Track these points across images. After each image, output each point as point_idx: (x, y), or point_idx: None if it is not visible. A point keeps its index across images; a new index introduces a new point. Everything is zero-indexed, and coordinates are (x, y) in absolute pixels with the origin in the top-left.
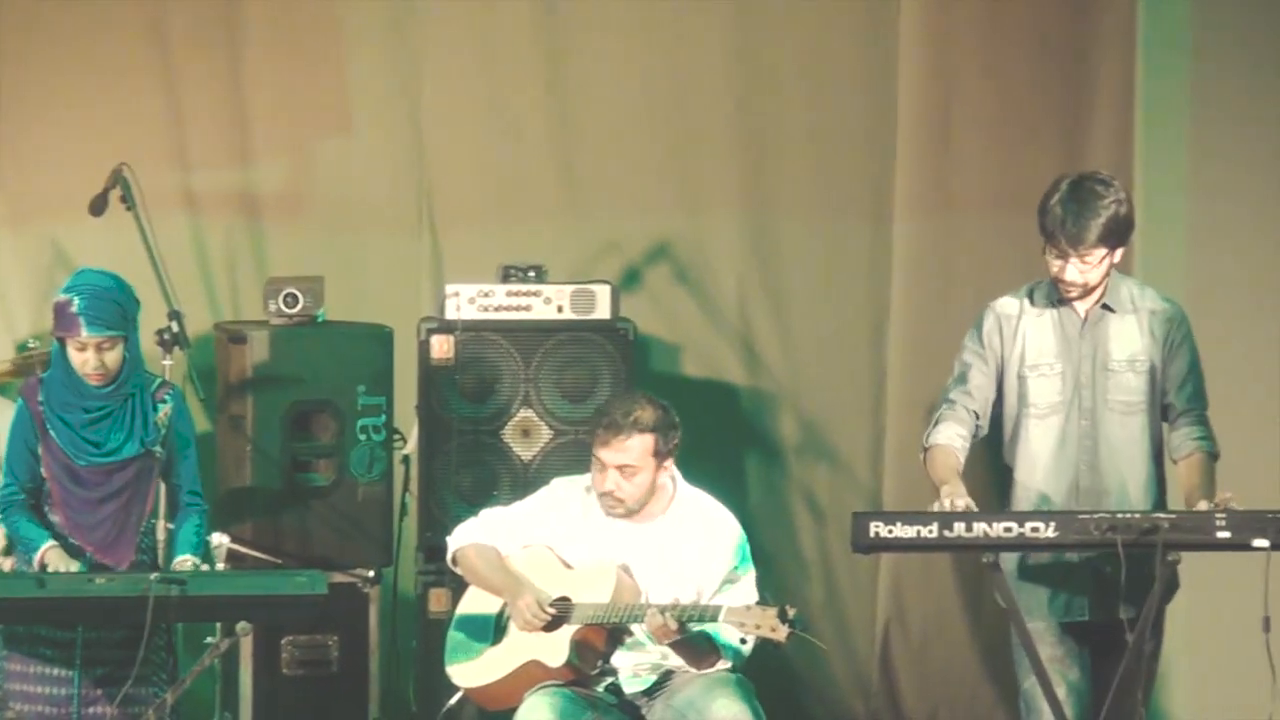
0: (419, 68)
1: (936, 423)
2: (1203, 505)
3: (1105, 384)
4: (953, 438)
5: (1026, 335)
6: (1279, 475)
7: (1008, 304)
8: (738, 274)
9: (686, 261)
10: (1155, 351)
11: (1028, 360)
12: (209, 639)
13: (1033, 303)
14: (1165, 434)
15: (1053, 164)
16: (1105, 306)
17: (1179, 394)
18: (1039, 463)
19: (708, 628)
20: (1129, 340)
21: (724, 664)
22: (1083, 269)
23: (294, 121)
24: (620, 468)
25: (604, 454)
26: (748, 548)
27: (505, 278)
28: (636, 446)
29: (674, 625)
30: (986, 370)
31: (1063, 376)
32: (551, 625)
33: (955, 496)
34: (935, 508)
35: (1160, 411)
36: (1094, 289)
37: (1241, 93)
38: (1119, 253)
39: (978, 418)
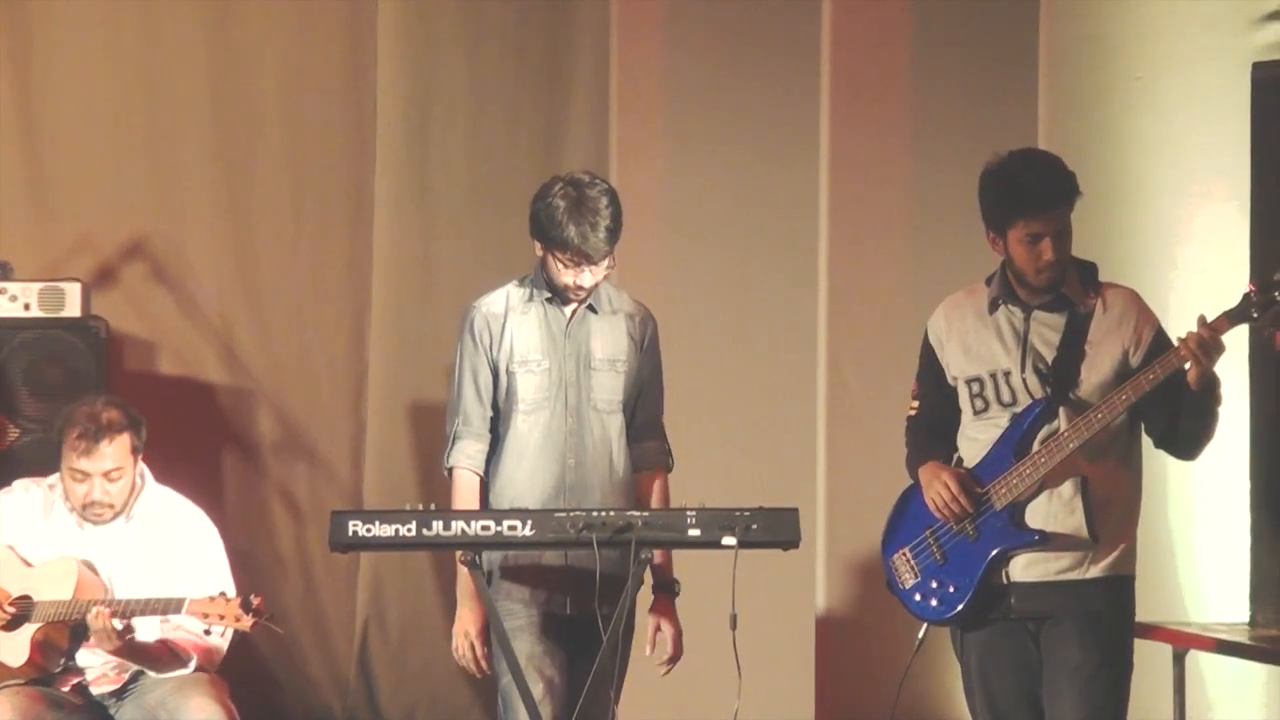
0: None
1: (455, 439)
2: None
3: (589, 382)
4: (473, 455)
5: (514, 332)
6: (736, 472)
7: (493, 302)
8: (216, 271)
9: (163, 259)
10: (632, 354)
11: (516, 356)
12: None
13: (517, 300)
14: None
15: (531, 161)
16: (589, 308)
17: (643, 403)
18: (525, 458)
19: (174, 632)
20: (610, 340)
21: (185, 670)
22: (594, 272)
23: None
24: (106, 473)
25: (86, 464)
26: (218, 542)
27: None
28: (119, 448)
29: (118, 626)
30: (487, 371)
31: (548, 373)
32: (12, 625)
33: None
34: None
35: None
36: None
37: (712, 84)
38: None
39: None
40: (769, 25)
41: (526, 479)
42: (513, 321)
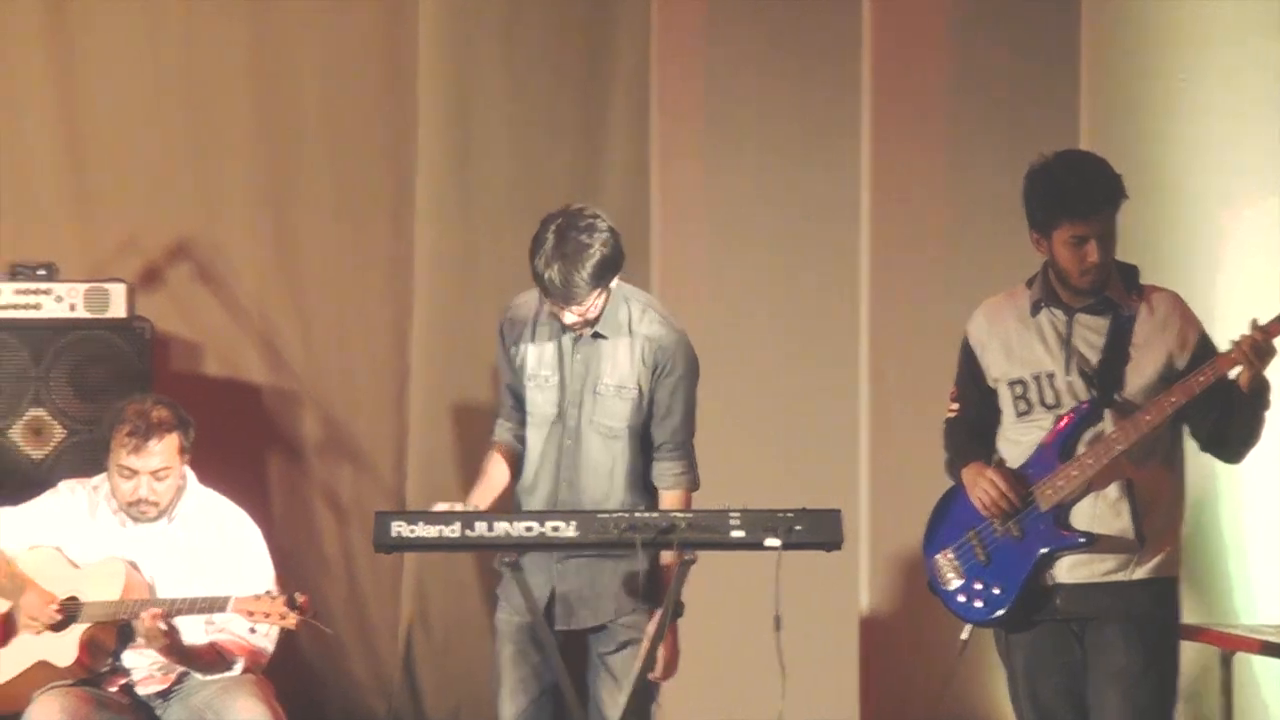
0: None
1: (497, 417)
2: None
3: (592, 406)
4: (504, 434)
5: (530, 343)
6: (778, 473)
7: (522, 307)
8: (259, 272)
9: (207, 260)
10: (645, 379)
11: (528, 369)
12: None
13: (544, 309)
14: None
15: (572, 163)
16: (597, 334)
17: (661, 425)
18: (531, 469)
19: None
20: (619, 365)
21: (232, 672)
22: (580, 311)
23: None
24: (154, 472)
25: (134, 461)
26: (262, 543)
27: (13, 275)
28: (167, 447)
29: (164, 626)
30: (510, 369)
31: (556, 389)
32: (60, 625)
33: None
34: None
35: (644, 436)
36: (594, 319)
37: (753, 86)
38: (615, 281)
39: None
40: (809, 27)
41: (527, 490)
42: (532, 331)
